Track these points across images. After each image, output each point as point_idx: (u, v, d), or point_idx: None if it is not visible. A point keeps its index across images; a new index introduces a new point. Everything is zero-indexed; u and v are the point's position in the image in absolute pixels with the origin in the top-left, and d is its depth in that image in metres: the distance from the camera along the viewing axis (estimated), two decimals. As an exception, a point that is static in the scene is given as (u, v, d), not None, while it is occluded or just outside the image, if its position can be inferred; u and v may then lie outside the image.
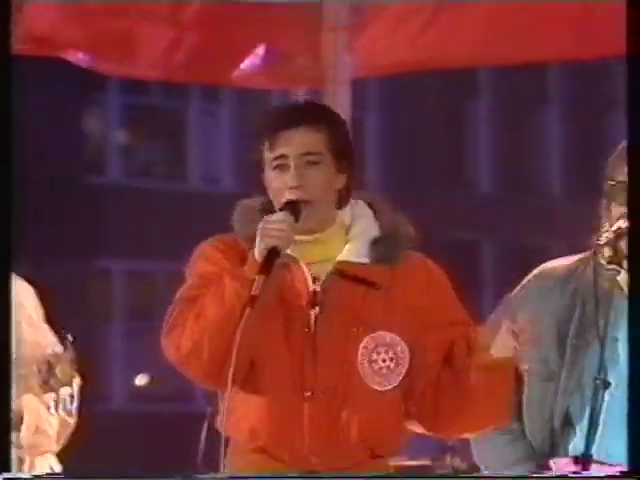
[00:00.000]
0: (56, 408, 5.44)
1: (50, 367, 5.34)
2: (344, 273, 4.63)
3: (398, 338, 4.64)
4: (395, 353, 4.65)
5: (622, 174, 4.93)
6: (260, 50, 7.79)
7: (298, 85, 8.23)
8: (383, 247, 4.73)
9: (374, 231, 4.72)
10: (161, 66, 8.22)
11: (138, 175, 27.11)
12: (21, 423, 5.55)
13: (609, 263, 4.88)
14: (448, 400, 4.72)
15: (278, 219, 4.48)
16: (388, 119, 19.65)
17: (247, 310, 4.42)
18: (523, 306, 5.16)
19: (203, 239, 4.82)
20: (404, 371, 4.64)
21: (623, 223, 4.88)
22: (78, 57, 7.97)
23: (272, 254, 4.45)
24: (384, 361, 4.64)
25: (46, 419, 5.54)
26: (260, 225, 4.46)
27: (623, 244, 4.95)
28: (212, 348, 4.55)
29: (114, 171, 27.08)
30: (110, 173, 27.11)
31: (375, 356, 4.65)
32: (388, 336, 4.62)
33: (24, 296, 5.65)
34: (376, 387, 4.62)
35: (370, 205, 4.80)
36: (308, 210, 4.58)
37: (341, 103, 7.66)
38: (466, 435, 5.03)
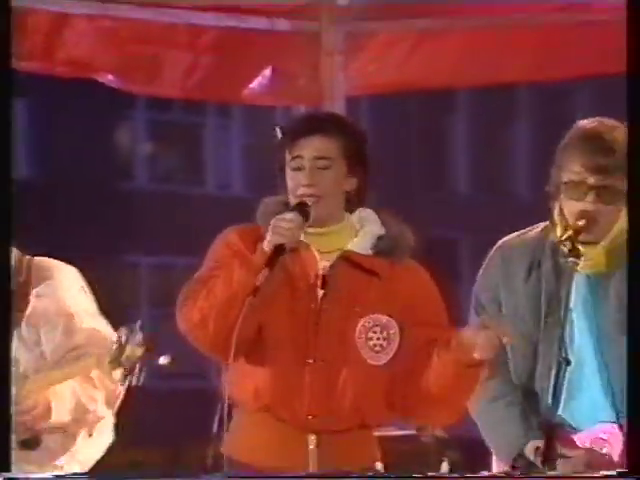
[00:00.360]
0: (123, 381, 5.39)
1: (121, 346, 5.27)
2: (350, 260, 4.67)
3: (393, 322, 4.66)
4: (388, 334, 4.66)
5: (572, 173, 4.87)
6: (267, 72, 7.79)
7: (299, 102, 8.19)
8: (386, 244, 4.76)
9: (380, 230, 4.76)
10: (181, 86, 8.16)
11: (161, 181, 27.21)
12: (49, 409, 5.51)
13: (568, 256, 4.77)
14: (416, 390, 4.74)
15: (288, 218, 4.51)
16: (377, 131, 19.68)
17: (249, 298, 4.47)
18: (488, 284, 5.16)
19: (217, 235, 4.84)
20: (393, 352, 4.68)
21: (582, 222, 4.80)
22: (110, 79, 7.93)
23: (278, 250, 4.49)
24: (378, 339, 4.66)
25: (89, 396, 5.52)
26: (272, 222, 4.49)
27: (581, 238, 4.83)
28: (217, 323, 4.60)
29: (141, 177, 27.13)
30: (138, 179, 27.11)
31: (371, 334, 4.67)
32: (385, 318, 4.64)
33: (77, 288, 5.69)
34: (370, 361, 4.63)
35: (377, 213, 4.85)
36: (318, 205, 4.62)
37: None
38: (421, 422, 5.14)
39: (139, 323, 5.26)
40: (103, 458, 5.75)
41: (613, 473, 4.35)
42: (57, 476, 5.06)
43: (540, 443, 4.76)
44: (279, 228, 4.56)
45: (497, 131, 26.74)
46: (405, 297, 4.76)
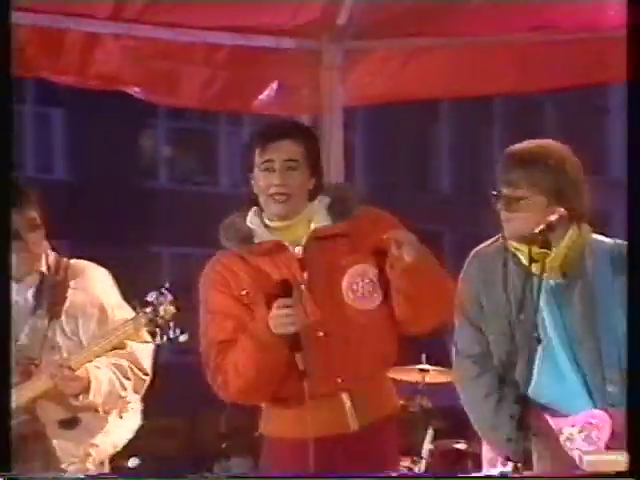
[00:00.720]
0: (161, 338, 5.44)
1: (155, 308, 5.34)
2: (317, 236, 4.74)
3: (368, 266, 4.69)
4: (370, 279, 4.69)
5: (515, 185, 4.86)
6: (274, 85, 7.72)
7: (302, 112, 7.95)
8: (337, 207, 4.83)
9: (326, 200, 4.82)
10: (198, 98, 8.12)
11: (181, 181, 27.22)
12: (88, 391, 5.51)
13: (541, 247, 4.69)
14: (400, 310, 4.76)
15: (282, 305, 4.55)
16: (371, 138, 19.72)
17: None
18: (469, 289, 5.12)
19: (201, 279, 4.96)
20: (380, 293, 4.72)
21: (553, 217, 4.74)
22: (135, 91, 7.86)
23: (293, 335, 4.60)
24: (363, 287, 4.70)
25: (121, 383, 5.55)
26: (273, 314, 4.51)
27: (552, 234, 4.78)
28: (258, 384, 4.70)
29: (163, 178, 27.04)
30: (160, 179, 27.07)
31: (355, 286, 4.70)
32: (360, 267, 4.68)
33: (108, 285, 5.75)
34: (365, 307, 4.69)
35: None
36: (287, 202, 4.72)
37: (335, 125, 7.75)
38: (423, 325, 4.97)
39: (167, 285, 5.31)
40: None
41: (613, 473, 4.11)
42: (57, 477, 4.91)
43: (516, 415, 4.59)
44: (282, 318, 4.57)
45: (476, 138, 26.84)
46: (373, 241, 4.74)
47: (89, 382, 5.40)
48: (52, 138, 26.14)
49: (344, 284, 4.78)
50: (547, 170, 4.88)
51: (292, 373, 4.76)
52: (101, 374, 5.49)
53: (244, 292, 4.82)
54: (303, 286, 4.77)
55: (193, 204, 23.77)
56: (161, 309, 5.33)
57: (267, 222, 4.89)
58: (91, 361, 5.46)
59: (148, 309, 5.35)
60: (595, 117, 26.69)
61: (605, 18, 7.61)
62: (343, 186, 5.40)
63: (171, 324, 5.38)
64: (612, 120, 25.50)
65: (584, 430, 4.84)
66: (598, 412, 4.83)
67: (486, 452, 5.15)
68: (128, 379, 5.58)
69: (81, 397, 5.45)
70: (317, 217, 4.91)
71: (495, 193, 4.92)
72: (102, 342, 5.48)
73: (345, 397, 4.73)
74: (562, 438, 4.87)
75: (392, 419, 5.01)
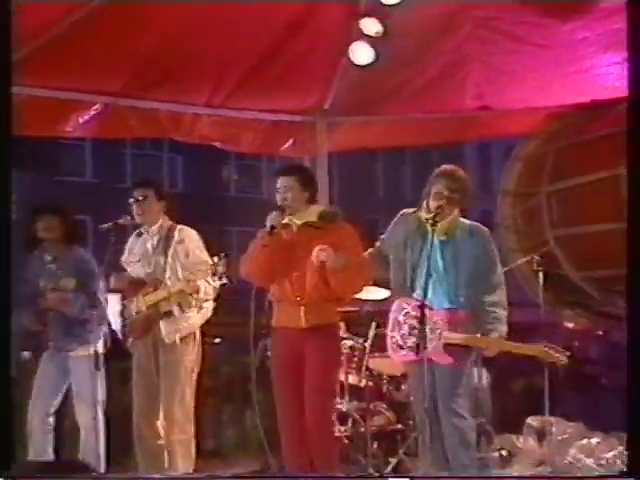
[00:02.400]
0: (220, 283, 6.31)
1: (216, 265, 6.20)
2: (306, 224, 5.71)
3: (328, 247, 5.54)
4: (328, 253, 5.56)
5: (435, 188, 5.71)
6: (290, 141, 8.76)
7: (305, 155, 8.87)
8: (323, 215, 5.78)
9: (320, 209, 5.81)
10: (250, 148, 8.97)
11: (241, 192, 28.80)
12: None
13: (435, 219, 5.58)
14: (334, 280, 5.58)
15: (274, 216, 5.59)
16: (347, 172, 20.26)
17: (267, 249, 5.54)
18: (389, 237, 6.00)
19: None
20: (331, 259, 5.52)
21: (441, 202, 5.62)
22: (218, 144, 8.78)
23: (272, 229, 5.53)
24: (320, 255, 5.56)
25: (198, 292, 6.38)
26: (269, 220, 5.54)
27: (442, 214, 5.60)
28: (259, 268, 5.69)
29: (232, 190, 29.08)
30: (231, 191, 28.98)
31: (318, 253, 5.56)
32: (325, 247, 5.57)
33: (197, 239, 6.59)
34: (319, 262, 5.57)
35: (326, 206, 6.01)
36: (290, 208, 5.68)
37: (322, 164, 8.72)
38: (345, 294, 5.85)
39: (223, 254, 6.26)
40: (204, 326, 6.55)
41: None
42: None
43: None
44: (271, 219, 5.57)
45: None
46: (336, 239, 5.66)
47: (198, 288, 6.34)
48: (178, 170, 28.47)
49: (314, 253, 5.59)
50: (455, 180, 5.78)
51: (283, 285, 5.71)
52: (201, 286, 6.34)
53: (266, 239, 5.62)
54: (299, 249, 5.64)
55: (248, 205, 24.37)
56: (220, 267, 6.20)
57: (287, 219, 5.72)
58: (188, 281, 6.28)
59: (214, 266, 6.20)
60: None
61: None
62: (333, 209, 5.97)
63: (224, 276, 6.22)
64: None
65: (442, 320, 5.65)
66: (453, 311, 5.69)
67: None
68: (202, 293, 6.37)
69: (195, 295, 6.38)
70: (309, 216, 5.76)
71: (434, 192, 5.71)
72: (191, 275, 6.32)
73: (302, 309, 5.67)
74: (430, 325, 5.53)
75: (332, 325, 5.83)
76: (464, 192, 5.73)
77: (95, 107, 7.78)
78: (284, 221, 5.65)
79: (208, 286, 6.35)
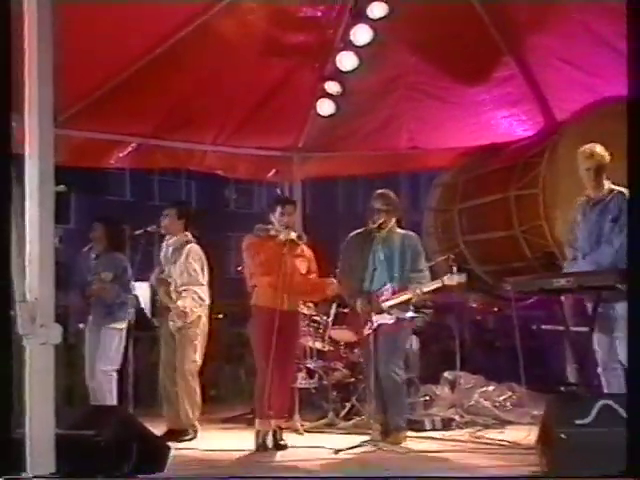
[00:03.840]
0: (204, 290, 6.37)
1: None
2: (292, 241, 5.62)
3: (305, 258, 5.68)
4: (310, 262, 5.68)
5: (376, 204, 5.73)
6: (274, 170, 8.58)
7: (284, 181, 8.75)
8: (300, 237, 5.74)
9: (297, 232, 5.78)
10: (247, 176, 9.17)
11: (239, 208, 28.20)
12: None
13: (379, 229, 5.67)
14: (305, 287, 5.66)
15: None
16: (315, 194, 18.11)
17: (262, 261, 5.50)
18: (344, 255, 5.99)
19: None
20: (306, 268, 5.68)
21: (383, 219, 5.64)
22: (221, 173, 8.78)
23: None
24: (301, 264, 5.66)
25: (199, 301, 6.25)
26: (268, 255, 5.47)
27: (384, 225, 5.64)
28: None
29: (232, 206, 28.43)
30: (231, 206, 28.35)
31: (298, 263, 5.62)
32: (306, 257, 5.69)
33: (199, 251, 6.41)
34: (300, 272, 5.70)
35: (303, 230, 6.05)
36: (289, 228, 5.63)
37: (297, 188, 8.59)
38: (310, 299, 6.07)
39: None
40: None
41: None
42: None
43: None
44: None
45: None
46: (309, 259, 5.75)
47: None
48: (192, 191, 27.82)
49: (297, 261, 5.63)
50: (387, 199, 5.83)
51: (273, 278, 5.52)
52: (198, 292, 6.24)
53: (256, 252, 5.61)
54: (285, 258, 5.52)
55: (243, 217, 23.35)
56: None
57: (274, 232, 5.63)
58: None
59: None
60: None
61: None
62: (301, 233, 5.85)
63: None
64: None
65: (389, 299, 5.69)
66: (390, 289, 5.69)
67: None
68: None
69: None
70: (292, 236, 5.64)
71: (376, 208, 5.71)
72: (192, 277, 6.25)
73: (285, 295, 5.57)
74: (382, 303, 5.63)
75: (298, 310, 5.86)
76: (395, 207, 5.73)
77: (131, 146, 7.80)
78: (289, 236, 5.55)
79: (202, 293, 6.29)
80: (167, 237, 6.43)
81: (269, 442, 5.46)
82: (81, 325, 6.33)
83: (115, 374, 6.27)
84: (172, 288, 6.18)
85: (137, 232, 6.36)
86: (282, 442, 5.49)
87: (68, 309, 6.37)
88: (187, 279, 6.20)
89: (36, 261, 3.71)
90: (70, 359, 6.92)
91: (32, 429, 3.69)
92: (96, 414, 4.21)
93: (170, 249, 6.37)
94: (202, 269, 6.27)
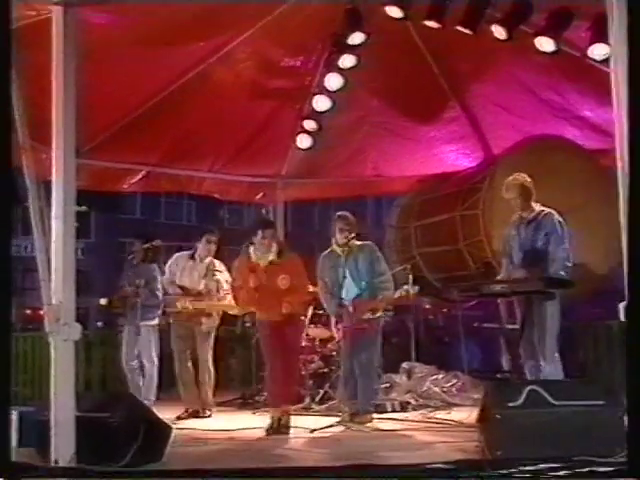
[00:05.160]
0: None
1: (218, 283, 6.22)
2: (271, 262, 5.34)
3: (286, 275, 5.28)
4: (292, 275, 5.31)
5: (338, 225, 5.55)
6: (261, 194, 8.51)
7: (269, 203, 8.67)
8: (278, 253, 5.39)
9: (277, 248, 5.38)
10: (239, 198, 8.82)
11: (232, 224, 26.38)
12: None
13: (343, 247, 5.53)
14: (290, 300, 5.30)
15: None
16: (296, 214, 18.28)
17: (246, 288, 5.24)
18: (320, 270, 5.82)
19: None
20: (288, 284, 5.31)
21: (349, 237, 5.47)
22: (217, 196, 8.72)
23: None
24: (283, 281, 5.28)
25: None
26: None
27: (346, 241, 5.46)
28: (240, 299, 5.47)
29: (226, 222, 26.56)
30: (225, 223, 26.35)
31: (280, 281, 5.28)
32: (284, 275, 5.27)
33: (218, 263, 6.42)
34: (283, 288, 5.24)
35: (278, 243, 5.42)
36: (271, 248, 5.28)
37: (280, 209, 8.53)
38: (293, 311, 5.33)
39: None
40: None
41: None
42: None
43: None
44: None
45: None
46: (289, 270, 5.37)
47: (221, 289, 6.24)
48: (192, 211, 27.48)
49: (278, 279, 5.29)
50: (347, 219, 5.62)
51: (265, 300, 5.33)
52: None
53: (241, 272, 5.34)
54: (264, 278, 5.30)
55: (234, 233, 22.55)
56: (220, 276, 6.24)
57: (255, 255, 5.35)
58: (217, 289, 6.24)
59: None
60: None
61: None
62: (284, 245, 5.60)
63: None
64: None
65: (355, 305, 5.58)
66: (360, 296, 5.58)
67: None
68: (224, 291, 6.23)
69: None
70: (271, 255, 5.37)
71: (338, 228, 5.58)
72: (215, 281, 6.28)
73: (270, 311, 5.39)
74: (350, 309, 5.53)
75: (293, 315, 5.44)
76: (353, 226, 5.60)
77: (141, 173, 7.75)
78: (268, 258, 5.32)
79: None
80: (197, 255, 6.36)
81: (276, 425, 5.24)
82: (99, 323, 6.38)
83: (146, 363, 6.25)
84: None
85: (145, 245, 6.31)
86: (285, 424, 5.24)
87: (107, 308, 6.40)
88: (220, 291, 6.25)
89: (60, 270, 3.75)
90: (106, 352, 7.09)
91: (56, 412, 3.72)
92: (110, 399, 4.24)
93: (202, 268, 6.34)
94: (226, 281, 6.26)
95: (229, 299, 6.04)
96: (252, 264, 5.27)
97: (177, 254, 6.46)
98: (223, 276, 6.26)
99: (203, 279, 6.25)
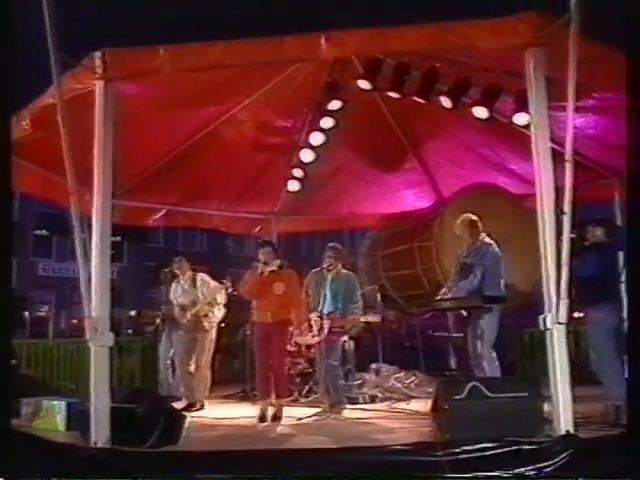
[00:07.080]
0: (229, 296, 6.04)
1: (225, 284, 6.00)
2: (272, 271, 5.26)
3: (282, 283, 5.23)
4: (287, 284, 5.23)
5: (328, 252, 5.42)
6: (258, 227, 8.21)
7: (265, 235, 8.01)
8: (279, 266, 5.35)
9: (278, 262, 5.34)
10: (239, 230, 8.46)
11: (236, 251, 26.45)
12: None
13: (329, 270, 5.40)
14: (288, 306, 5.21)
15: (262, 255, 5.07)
16: (287, 245, 17.62)
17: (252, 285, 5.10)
18: (308, 284, 5.63)
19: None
20: (283, 291, 5.22)
21: (331, 260, 5.36)
22: (222, 229, 8.40)
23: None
24: (279, 287, 5.23)
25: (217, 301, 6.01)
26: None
27: (332, 267, 5.36)
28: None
29: (230, 250, 26.55)
30: (229, 251, 26.32)
31: (276, 288, 5.23)
32: (282, 283, 5.23)
33: (207, 277, 6.17)
34: (279, 293, 5.26)
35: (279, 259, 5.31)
36: (270, 262, 5.24)
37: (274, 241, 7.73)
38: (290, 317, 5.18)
39: (228, 277, 6.12)
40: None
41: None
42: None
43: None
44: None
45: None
46: (285, 279, 5.27)
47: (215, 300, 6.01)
48: (204, 241, 26.82)
49: (274, 284, 5.24)
50: (336, 249, 5.54)
51: (263, 302, 5.24)
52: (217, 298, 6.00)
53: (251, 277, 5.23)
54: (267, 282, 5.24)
55: (237, 258, 22.53)
56: (228, 284, 6.02)
57: (259, 267, 5.29)
58: (210, 302, 5.98)
59: (224, 284, 6.01)
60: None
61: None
62: (284, 262, 5.44)
63: (230, 288, 5.98)
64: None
65: (330, 319, 5.39)
66: (336, 313, 5.42)
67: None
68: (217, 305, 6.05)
69: (214, 303, 6.04)
70: (274, 267, 5.30)
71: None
72: (211, 295, 6.03)
73: (268, 313, 5.24)
74: (324, 323, 5.37)
75: (284, 321, 5.31)
76: (341, 255, 5.52)
77: (162, 211, 7.57)
78: (268, 269, 5.23)
79: (222, 297, 6.07)
80: (181, 277, 6.16)
81: (269, 415, 5.10)
82: (129, 331, 6.19)
83: (177, 365, 6.10)
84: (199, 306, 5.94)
85: (165, 270, 6.21)
86: (278, 415, 5.14)
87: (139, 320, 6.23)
88: (211, 292, 6.03)
89: (98, 289, 3.80)
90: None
91: (95, 403, 3.76)
92: (137, 393, 4.24)
93: (187, 283, 6.16)
94: (217, 284, 6.13)
95: (220, 299, 5.90)
96: (257, 273, 5.21)
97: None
98: (207, 287, 6.03)
99: (188, 292, 6.05)
